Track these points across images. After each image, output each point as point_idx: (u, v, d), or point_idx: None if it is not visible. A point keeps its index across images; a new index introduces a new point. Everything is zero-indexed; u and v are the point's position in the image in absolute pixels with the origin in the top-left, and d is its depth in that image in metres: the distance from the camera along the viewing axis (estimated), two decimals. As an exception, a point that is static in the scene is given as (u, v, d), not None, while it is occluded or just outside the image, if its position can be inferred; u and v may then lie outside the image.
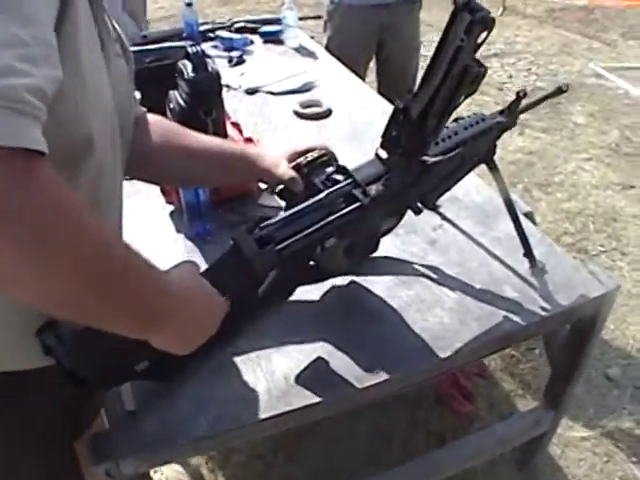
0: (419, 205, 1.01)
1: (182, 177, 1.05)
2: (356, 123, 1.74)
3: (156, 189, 1.35)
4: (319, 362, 0.98)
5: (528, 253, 1.15)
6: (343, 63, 2.22)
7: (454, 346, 1.00)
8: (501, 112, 1.11)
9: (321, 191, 0.90)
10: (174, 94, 1.32)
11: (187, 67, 1.29)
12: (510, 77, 4.20)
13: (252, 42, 2.41)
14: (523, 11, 5.58)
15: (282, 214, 0.87)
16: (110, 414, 0.92)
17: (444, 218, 1.31)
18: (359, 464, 1.63)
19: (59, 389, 0.77)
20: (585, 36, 4.91)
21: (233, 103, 1.83)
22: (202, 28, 2.37)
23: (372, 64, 2.61)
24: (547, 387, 1.40)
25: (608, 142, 3.32)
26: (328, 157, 1.01)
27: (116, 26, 0.83)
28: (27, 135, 0.46)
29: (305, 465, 1.64)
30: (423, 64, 2.49)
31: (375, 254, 1.07)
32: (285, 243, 0.83)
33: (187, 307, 0.70)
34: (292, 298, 0.96)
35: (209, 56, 1.36)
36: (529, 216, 1.36)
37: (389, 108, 0.93)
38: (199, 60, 1.28)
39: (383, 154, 0.96)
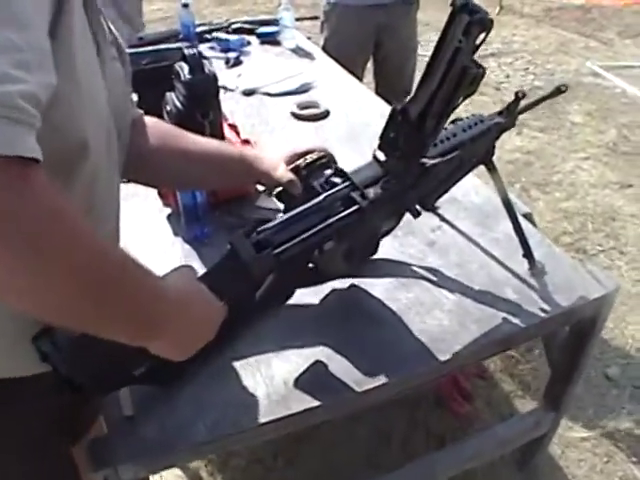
0: (418, 207, 1.00)
1: (179, 180, 1.04)
2: (354, 124, 1.74)
3: (153, 192, 1.35)
4: (318, 366, 0.97)
5: (527, 254, 1.15)
6: (340, 64, 2.21)
7: (454, 349, 0.99)
8: (500, 113, 1.10)
9: (320, 194, 0.90)
10: (171, 96, 1.31)
11: (184, 69, 1.28)
12: (507, 77, 4.19)
13: (249, 43, 2.41)
14: (520, 10, 5.58)
15: (279, 218, 0.86)
16: (108, 419, 0.91)
17: (443, 219, 1.31)
18: (358, 467, 1.63)
19: (55, 395, 0.77)
20: (582, 35, 4.92)
21: (230, 104, 1.83)
22: (199, 29, 2.36)
23: (369, 65, 2.60)
24: (547, 388, 1.40)
25: (606, 141, 3.32)
26: (327, 159, 1.01)
27: (112, 28, 0.82)
28: (22, 143, 0.45)
29: (304, 469, 1.63)
30: (420, 64, 2.51)
31: (374, 256, 1.07)
32: (283, 247, 0.83)
33: (184, 313, 0.69)
34: (291, 302, 0.95)
35: (206, 57, 1.35)
36: (528, 217, 1.35)
37: (387, 109, 0.92)
38: (196, 62, 1.27)
39: (381, 156, 0.95)
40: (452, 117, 0.98)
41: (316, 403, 0.91)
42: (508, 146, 3.21)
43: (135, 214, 1.29)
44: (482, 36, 0.78)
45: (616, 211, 2.73)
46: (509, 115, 1.09)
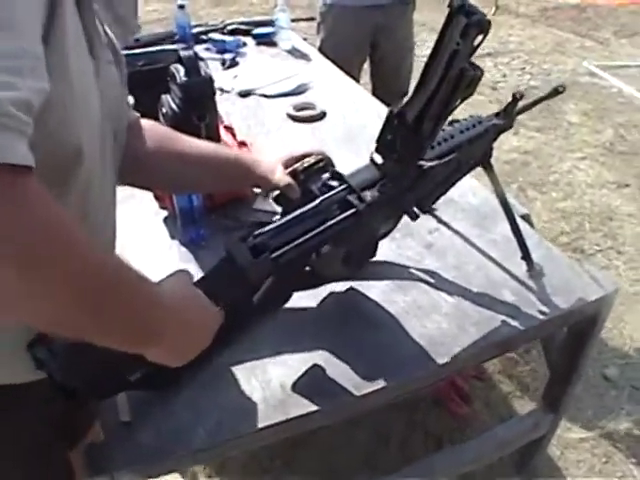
0: (415, 210, 0.99)
1: (176, 183, 1.03)
2: (350, 126, 1.73)
3: (149, 194, 1.34)
4: (316, 370, 0.96)
5: (526, 256, 1.14)
6: (337, 65, 2.20)
7: (452, 352, 0.99)
8: (497, 114, 1.10)
9: (317, 198, 0.89)
10: (166, 98, 1.31)
11: (179, 71, 1.27)
12: (504, 76, 4.20)
13: (245, 44, 2.40)
14: (516, 10, 5.59)
15: (276, 222, 0.86)
16: (105, 425, 0.90)
17: (440, 221, 1.30)
18: (356, 469, 1.62)
19: (50, 402, 0.76)
20: (578, 35, 4.92)
21: (226, 106, 1.82)
22: (195, 30, 2.35)
23: (366, 66, 2.60)
24: (545, 390, 1.39)
25: (602, 141, 3.32)
26: (325, 163, 1.00)
27: (108, 31, 0.81)
28: (12, 150, 0.44)
29: (302, 470, 1.63)
30: (416, 65, 2.51)
31: (372, 259, 1.06)
32: (280, 251, 0.82)
33: (180, 319, 0.68)
34: (288, 305, 0.95)
35: (202, 59, 1.35)
36: (526, 218, 1.35)
37: (383, 110, 0.92)
38: (191, 64, 1.27)
39: (378, 159, 0.94)
40: (449, 118, 0.98)
41: (314, 408, 0.91)
42: (505, 146, 3.21)
43: (131, 217, 1.28)
44: (480, 38, 0.78)
45: (613, 211, 2.73)
46: (507, 116, 1.09)
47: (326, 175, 0.95)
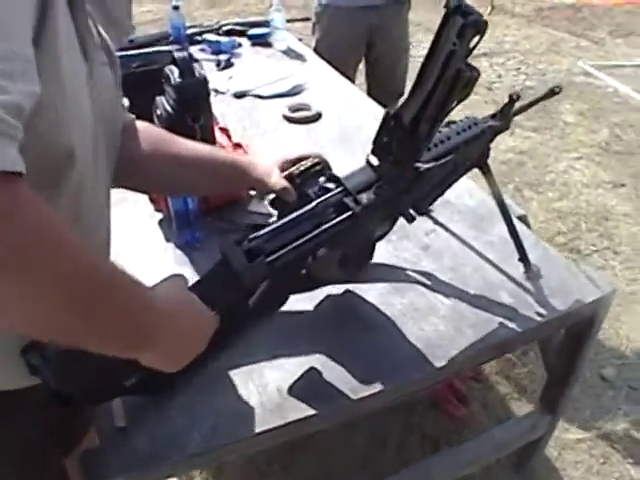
0: (412, 212, 0.99)
1: (171, 185, 1.03)
2: (346, 126, 1.72)
3: (143, 197, 1.33)
4: (313, 373, 0.96)
5: (523, 257, 1.14)
6: (332, 65, 2.20)
7: (450, 354, 0.98)
8: (493, 115, 1.09)
9: (313, 201, 0.88)
10: (161, 100, 1.30)
11: (174, 72, 1.26)
12: (499, 76, 4.20)
13: (240, 45, 2.39)
14: (512, 10, 5.59)
15: (272, 225, 0.85)
16: (101, 430, 0.89)
17: (436, 222, 1.30)
18: (353, 472, 1.62)
19: (44, 408, 0.75)
20: (573, 34, 4.93)
21: (221, 107, 1.81)
22: (189, 31, 2.34)
23: (361, 66, 2.59)
24: (543, 391, 1.39)
25: (598, 141, 3.32)
26: (321, 166, 0.99)
27: (101, 32, 0.80)
28: (2, 156, 0.44)
29: (299, 474, 1.62)
30: (411, 65, 2.51)
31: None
32: (275, 255, 0.81)
33: (174, 323, 0.68)
34: (285, 308, 0.94)
35: (196, 60, 1.34)
36: (523, 219, 1.34)
37: (379, 111, 0.91)
38: (186, 65, 1.26)
39: (374, 161, 0.94)
40: (446, 120, 0.97)
41: (311, 412, 0.90)
42: (501, 146, 3.21)
43: (126, 220, 1.28)
44: (476, 39, 0.77)
45: (609, 211, 2.73)
46: (503, 118, 1.09)
47: (323, 179, 0.95)
